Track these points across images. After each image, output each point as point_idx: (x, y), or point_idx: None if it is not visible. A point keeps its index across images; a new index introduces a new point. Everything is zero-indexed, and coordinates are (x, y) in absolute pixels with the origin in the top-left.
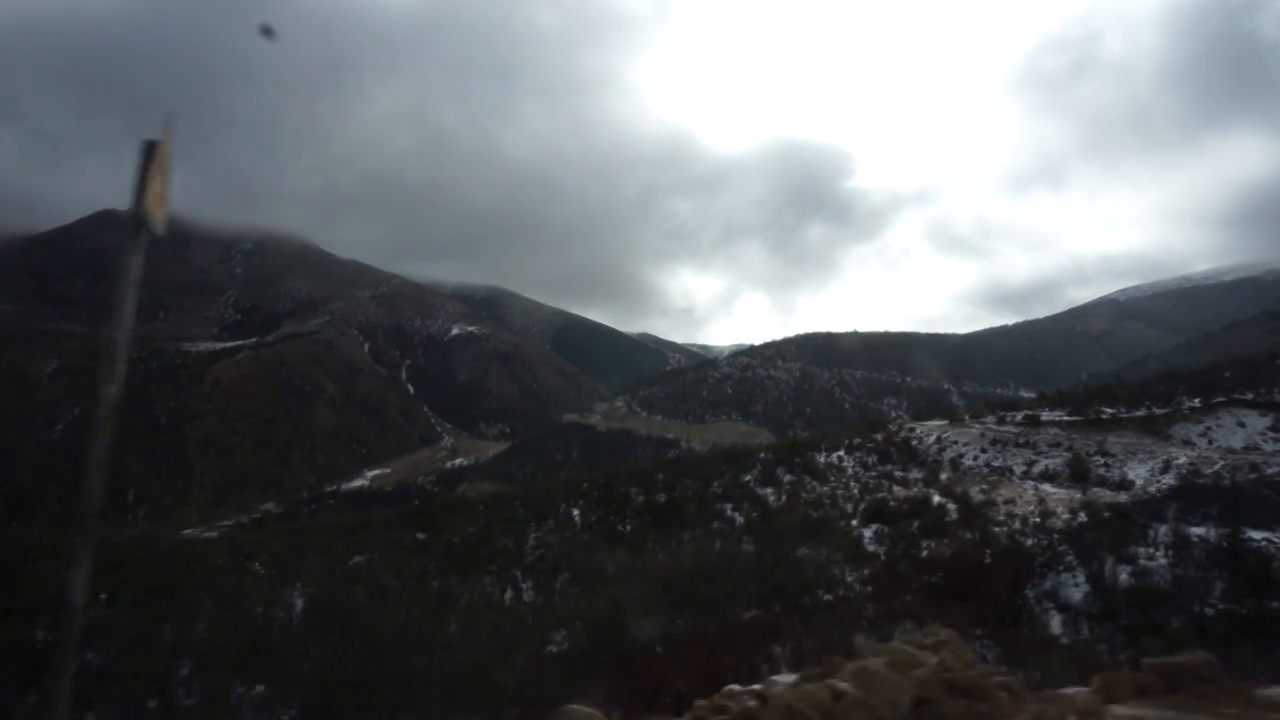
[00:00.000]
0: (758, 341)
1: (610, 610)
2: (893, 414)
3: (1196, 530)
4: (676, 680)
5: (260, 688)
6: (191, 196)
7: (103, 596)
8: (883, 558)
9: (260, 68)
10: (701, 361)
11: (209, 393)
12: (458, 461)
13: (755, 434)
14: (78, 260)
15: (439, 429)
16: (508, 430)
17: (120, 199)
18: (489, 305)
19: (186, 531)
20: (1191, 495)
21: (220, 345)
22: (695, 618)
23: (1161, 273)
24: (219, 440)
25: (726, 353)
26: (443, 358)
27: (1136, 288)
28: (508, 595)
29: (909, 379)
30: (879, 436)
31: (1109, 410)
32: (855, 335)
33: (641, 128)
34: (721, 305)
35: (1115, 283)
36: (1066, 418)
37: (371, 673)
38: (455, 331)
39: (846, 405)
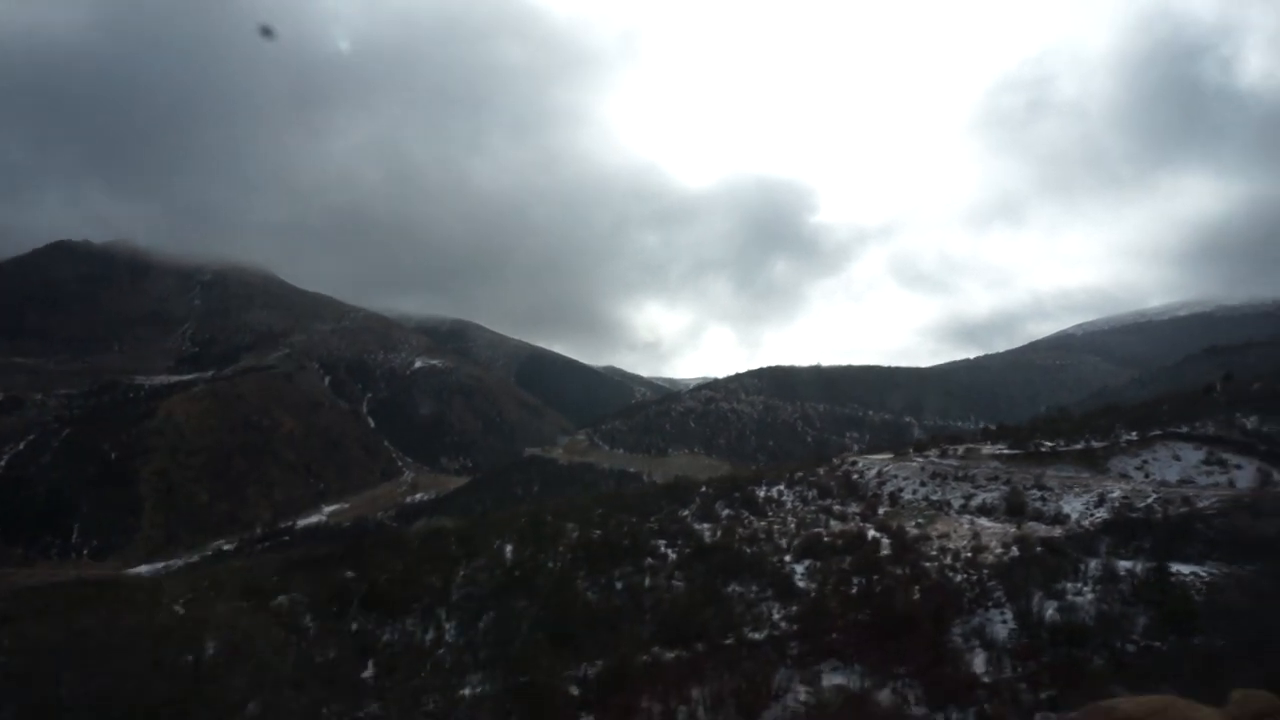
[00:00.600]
0: (723, 375)
1: (527, 651)
2: (854, 447)
3: (1125, 564)
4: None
5: None
6: (152, 227)
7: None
8: (812, 594)
9: (227, 99)
10: (665, 395)
11: (162, 427)
12: (418, 496)
13: (717, 467)
14: (32, 291)
15: (400, 463)
16: (470, 464)
17: (78, 230)
18: (454, 338)
19: (137, 569)
20: (1123, 529)
21: (175, 379)
22: (616, 657)
23: (1117, 308)
24: (171, 476)
25: (692, 386)
26: (405, 391)
27: (1093, 323)
28: (428, 635)
29: (870, 412)
30: (821, 470)
31: (1049, 444)
32: (817, 369)
33: (610, 161)
34: (688, 339)
35: (1073, 318)
36: (1007, 451)
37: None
38: (418, 365)
39: (809, 438)
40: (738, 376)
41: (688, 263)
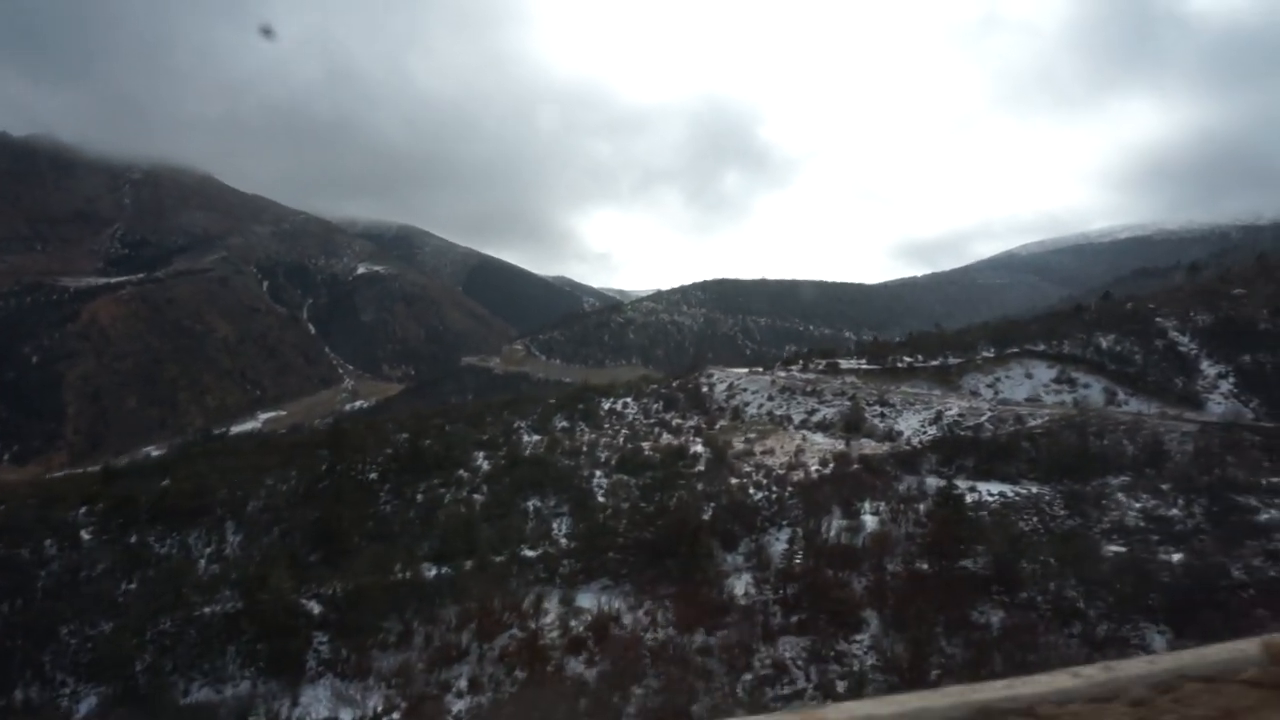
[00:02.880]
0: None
1: (271, 568)
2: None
3: (937, 483)
4: (328, 640)
5: None
6: (77, 119)
7: None
8: (609, 510)
9: None
10: (606, 306)
11: (86, 331)
12: (358, 404)
13: (652, 378)
14: None
15: (340, 370)
16: (412, 372)
17: None
18: (400, 244)
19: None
20: (950, 447)
21: (102, 281)
22: (373, 574)
23: (1062, 229)
24: (98, 381)
25: (641, 297)
26: (346, 297)
27: (1039, 243)
28: (208, 550)
29: (811, 327)
30: (675, 384)
31: (907, 359)
32: (763, 283)
33: (560, 67)
34: (640, 250)
35: (1019, 238)
36: (866, 366)
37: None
38: (361, 270)
39: (748, 351)
40: (681, 288)
41: (639, 173)
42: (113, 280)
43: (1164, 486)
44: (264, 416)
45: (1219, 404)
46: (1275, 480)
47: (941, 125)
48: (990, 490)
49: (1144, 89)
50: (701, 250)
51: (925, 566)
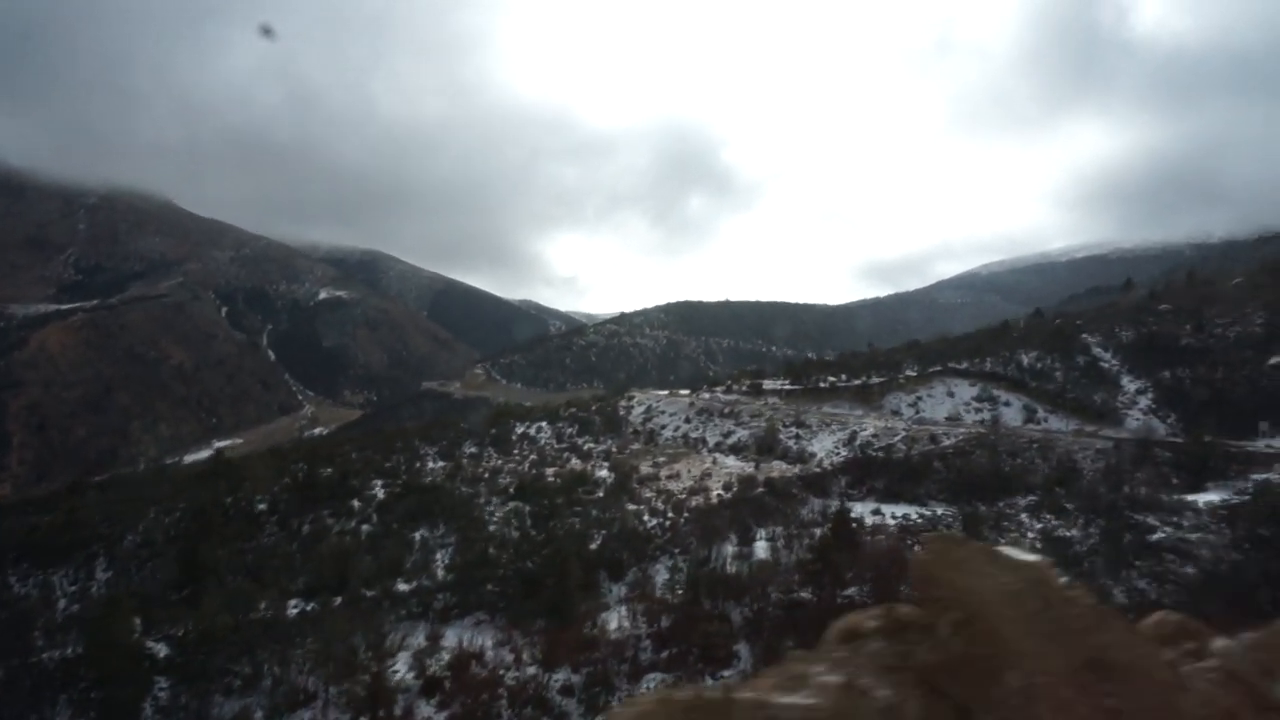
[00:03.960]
0: (636, 310)
1: (116, 610)
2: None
3: (846, 506)
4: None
5: None
6: (28, 144)
7: None
8: (496, 541)
9: (107, 4)
10: (569, 330)
11: (34, 359)
12: (317, 430)
13: (576, 402)
14: None
15: (300, 397)
16: (374, 398)
17: None
18: (364, 269)
19: None
20: (861, 468)
21: (53, 308)
22: (234, 612)
23: (1022, 249)
24: (45, 410)
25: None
26: (308, 323)
27: (999, 263)
28: (72, 589)
29: (773, 348)
30: (593, 407)
31: (830, 379)
32: (725, 304)
33: (523, 94)
34: (606, 273)
35: (980, 258)
36: (789, 387)
37: None
38: (323, 295)
39: (711, 373)
40: (644, 311)
41: (603, 197)
42: (64, 307)
43: (1069, 506)
44: (219, 445)
45: (1137, 419)
46: (1180, 497)
47: (901, 147)
48: (895, 512)
49: (1093, 111)
50: (667, 273)
51: (808, 595)
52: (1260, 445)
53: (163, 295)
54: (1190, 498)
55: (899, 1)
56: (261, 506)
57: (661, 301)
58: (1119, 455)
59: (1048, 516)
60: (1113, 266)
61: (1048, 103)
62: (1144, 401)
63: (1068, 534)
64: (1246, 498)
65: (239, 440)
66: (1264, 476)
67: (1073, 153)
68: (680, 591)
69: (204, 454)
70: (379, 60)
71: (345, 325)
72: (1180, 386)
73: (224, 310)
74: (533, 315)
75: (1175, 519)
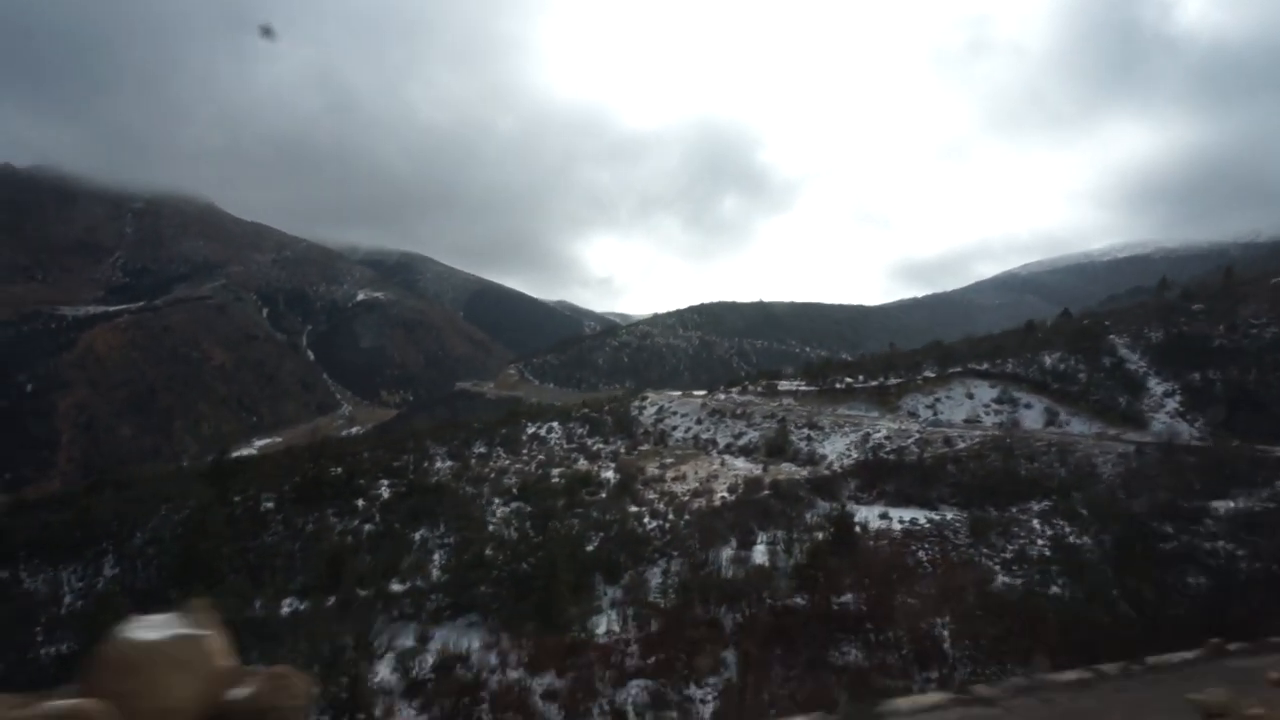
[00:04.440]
0: (671, 310)
1: (107, 606)
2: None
3: (847, 510)
4: None
5: None
6: (79, 152)
7: None
8: (495, 541)
9: (155, 18)
10: (601, 330)
11: (81, 359)
12: (354, 430)
13: (590, 402)
14: None
15: (338, 396)
16: (411, 398)
17: None
18: (402, 271)
19: None
20: (872, 471)
21: (100, 309)
22: (228, 611)
23: (1062, 249)
24: (92, 409)
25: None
26: (346, 324)
27: (1038, 263)
28: (79, 585)
29: (808, 349)
30: (606, 408)
31: (847, 380)
32: (759, 305)
33: (559, 96)
34: (642, 275)
35: (1019, 258)
36: (804, 388)
37: None
38: (361, 297)
39: (742, 374)
40: (677, 312)
41: (638, 199)
42: (110, 309)
43: (1083, 512)
44: (259, 443)
45: (1163, 423)
46: (1201, 504)
47: (937, 147)
48: (903, 517)
49: (1135, 108)
50: (703, 274)
51: (801, 601)
52: None
53: (206, 297)
54: (1212, 504)
55: (931, 6)
56: (269, 505)
57: (696, 302)
58: (1140, 460)
59: (1060, 523)
60: (1155, 266)
61: (1087, 101)
62: (1171, 404)
63: (1078, 541)
64: (1271, 505)
65: (278, 439)
66: None
67: (1114, 151)
68: (673, 596)
69: (245, 451)
70: (417, 66)
71: (383, 326)
72: (1210, 389)
73: (265, 311)
74: (568, 316)
75: (1193, 527)
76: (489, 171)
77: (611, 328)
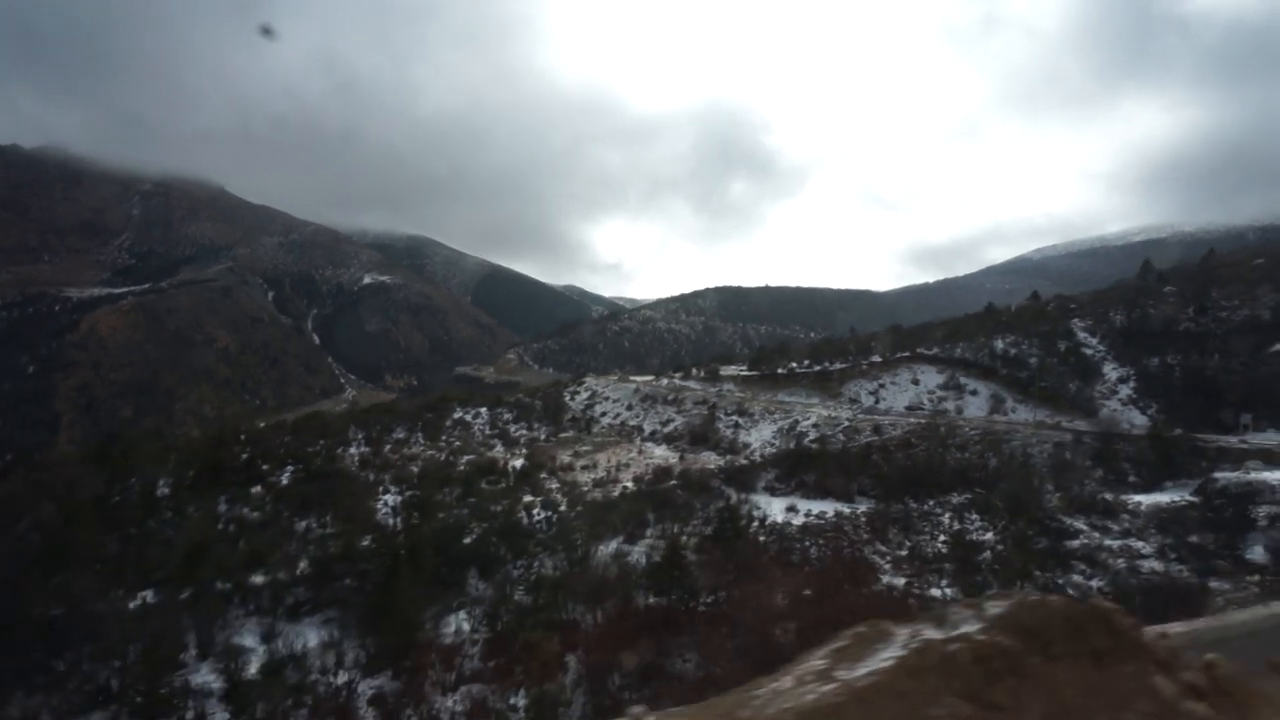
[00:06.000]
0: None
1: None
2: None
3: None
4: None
5: None
6: (87, 133)
7: None
8: (384, 532)
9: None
10: (603, 315)
11: (84, 341)
12: None
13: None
14: None
15: (342, 380)
16: (415, 382)
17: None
18: (410, 255)
19: None
20: (792, 461)
21: (104, 291)
22: (77, 604)
23: (1077, 233)
24: (92, 390)
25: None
26: (351, 307)
27: (1052, 247)
28: None
29: (812, 334)
30: (539, 393)
31: (791, 365)
32: (766, 290)
33: (568, 78)
34: (651, 259)
35: (1032, 242)
36: (746, 373)
37: None
38: (367, 280)
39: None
40: (682, 296)
41: (647, 182)
42: (115, 291)
43: (998, 504)
44: (261, 426)
45: (1115, 409)
46: (1125, 498)
47: (948, 128)
48: (812, 509)
49: (1151, 88)
50: (712, 258)
51: (664, 600)
52: (1234, 440)
53: (211, 280)
54: (1137, 498)
55: None
56: (165, 490)
57: (702, 286)
58: (1075, 450)
59: (973, 517)
60: (1171, 250)
61: (1102, 81)
62: (1125, 390)
63: (982, 538)
64: (1196, 499)
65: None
66: (1224, 475)
67: (1130, 132)
68: (535, 594)
69: None
70: (424, 49)
71: (389, 310)
72: (1168, 375)
73: (271, 295)
74: (576, 301)
75: (1106, 523)
76: (498, 155)
77: (614, 312)
